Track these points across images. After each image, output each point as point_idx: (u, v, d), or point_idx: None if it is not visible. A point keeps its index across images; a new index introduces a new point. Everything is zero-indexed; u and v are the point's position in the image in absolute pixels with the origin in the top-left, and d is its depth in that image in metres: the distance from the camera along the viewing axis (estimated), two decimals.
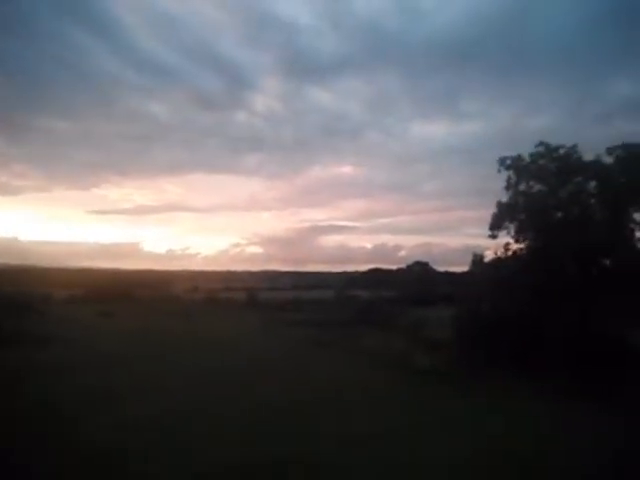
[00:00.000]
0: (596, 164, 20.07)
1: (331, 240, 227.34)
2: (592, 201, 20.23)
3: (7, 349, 19.58)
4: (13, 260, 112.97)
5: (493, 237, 21.67)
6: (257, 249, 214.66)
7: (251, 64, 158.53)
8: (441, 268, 66.16)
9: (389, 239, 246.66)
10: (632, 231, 19.37)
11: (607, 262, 19.59)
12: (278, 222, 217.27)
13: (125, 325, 30.91)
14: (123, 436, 9.41)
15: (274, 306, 49.17)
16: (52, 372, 15.62)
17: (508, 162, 21.41)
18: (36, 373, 15.51)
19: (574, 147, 20.36)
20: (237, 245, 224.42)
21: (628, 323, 18.24)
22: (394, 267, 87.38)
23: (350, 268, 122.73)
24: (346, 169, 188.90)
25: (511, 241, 21.18)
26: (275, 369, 17.78)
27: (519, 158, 21.31)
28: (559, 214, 20.33)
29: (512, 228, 21.08)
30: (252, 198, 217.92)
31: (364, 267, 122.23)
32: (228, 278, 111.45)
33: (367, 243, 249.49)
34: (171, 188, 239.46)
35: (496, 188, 21.85)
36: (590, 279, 18.69)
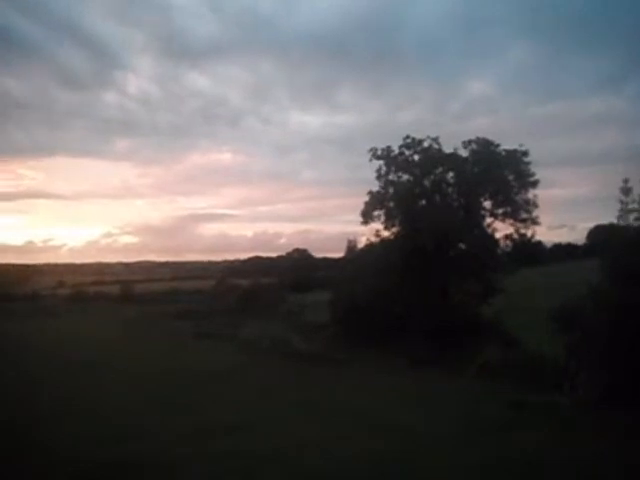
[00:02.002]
0: (454, 156, 22.11)
1: (211, 228, 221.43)
2: (450, 190, 22.27)
3: None
4: None
5: (365, 223, 22.90)
6: (131, 239, 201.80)
7: (121, 41, 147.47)
8: (320, 254, 68.31)
9: (269, 227, 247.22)
10: (483, 217, 21.73)
11: (462, 244, 21.74)
12: (154, 210, 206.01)
13: None
14: None
15: (151, 299, 46.99)
16: None
17: (379, 153, 22.68)
18: None
19: (436, 139, 22.19)
20: (109, 235, 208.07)
21: (479, 297, 20.55)
22: (275, 255, 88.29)
23: (231, 257, 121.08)
24: (225, 156, 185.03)
25: (381, 227, 22.57)
26: (151, 364, 17.13)
27: (389, 149, 22.67)
28: (423, 202, 22.08)
29: (382, 215, 22.45)
30: (124, 185, 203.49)
31: (245, 255, 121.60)
32: (99, 271, 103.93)
33: (247, 231, 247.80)
34: (29, 173, 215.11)
35: (370, 177, 23.04)
36: (447, 259, 20.66)
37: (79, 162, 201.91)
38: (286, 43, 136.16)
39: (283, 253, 74.91)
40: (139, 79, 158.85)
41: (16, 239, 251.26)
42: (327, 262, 56.77)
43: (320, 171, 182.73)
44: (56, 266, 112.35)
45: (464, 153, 22.13)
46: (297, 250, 65.67)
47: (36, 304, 43.23)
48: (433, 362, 15.50)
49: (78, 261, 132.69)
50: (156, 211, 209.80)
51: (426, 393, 12.34)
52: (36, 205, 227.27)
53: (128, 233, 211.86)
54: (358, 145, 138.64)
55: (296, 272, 54.36)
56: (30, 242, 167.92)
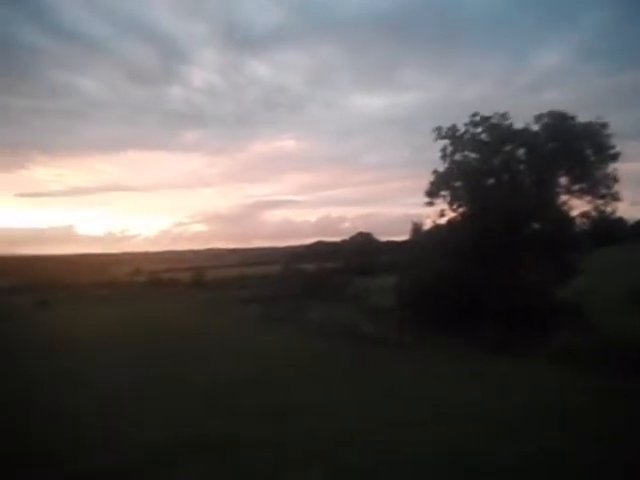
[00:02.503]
0: (525, 132, 21.07)
1: (275, 215, 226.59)
2: (521, 167, 21.28)
3: None
4: None
5: (430, 204, 22.44)
6: (201, 227, 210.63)
7: (186, 35, 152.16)
8: (383, 238, 67.84)
9: (332, 211, 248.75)
10: (557, 194, 20.61)
11: (535, 223, 20.79)
12: (221, 199, 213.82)
13: (63, 314, 29.69)
14: None
15: (221, 284, 48.70)
16: None
17: (444, 132, 22.06)
18: None
19: (504, 115, 21.23)
20: (180, 224, 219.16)
21: (555, 279, 19.60)
22: (338, 239, 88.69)
23: (295, 242, 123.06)
24: (288, 143, 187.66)
25: (446, 208, 22.02)
26: (227, 345, 17.80)
27: (454, 128, 21.99)
28: (491, 180, 21.27)
29: (448, 195, 21.89)
30: (193, 175, 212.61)
31: (309, 240, 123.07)
32: (172, 259, 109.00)
33: (311, 216, 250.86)
34: (106, 167, 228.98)
35: (434, 158, 22.52)
36: (519, 240, 19.82)
37: (150, 155, 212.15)
38: (346, 26, 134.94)
39: (346, 237, 75.07)
40: (203, 71, 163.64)
41: (98, 230, 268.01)
42: (391, 245, 56.29)
43: (382, 153, 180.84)
44: (132, 255, 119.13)
45: (536, 128, 21.06)
46: (361, 234, 65.56)
47: (117, 290, 46.01)
48: (505, 346, 14.96)
49: (152, 249, 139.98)
50: (224, 199, 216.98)
51: (502, 378, 11.93)
52: (113, 198, 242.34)
53: (198, 222, 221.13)
54: (421, 125, 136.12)
55: (360, 256, 54.29)
56: (110, 233, 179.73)
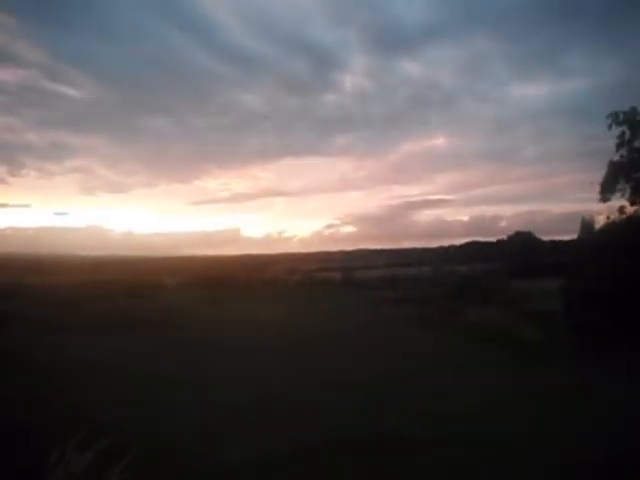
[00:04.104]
0: None
1: (425, 215, 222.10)
2: None
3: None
4: (130, 252, 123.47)
5: (604, 200, 19.98)
6: (350, 229, 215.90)
7: (338, 43, 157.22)
8: (545, 237, 62.28)
9: (486, 210, 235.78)
10: None
11: None
12: (370, 200, 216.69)
13: (233, 309, 32.47)
14: None
15: (370, 285, 49.24)
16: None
17: (621, 117, 19.48)
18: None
19: None
20: (331, 226, 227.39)
21: None
22: (493, 239, 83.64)
23: (446, 243, 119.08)
24: (438, 141, 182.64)
25: (626, 203, 19.40)
26: (383, 346, 17.91)
27: (634, 111, 19.30)
28: None
29: (627, 189, 19.27)
30: (343, 178, 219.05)
31: (460, 241, 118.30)
32: (324, 259, 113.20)
33: (463, 216, 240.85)
34: (264, 174, 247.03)
35: (606, 148, 20.04)
36: None
37: (303, 161, 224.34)
38: (502, 12, 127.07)
39: (503, 237, 70.40)
40: (354, 76, 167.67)
41: (257, 233, 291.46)
42: (555, 245, 51.45)
43: (544, 146, 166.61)
44: (288, 255, 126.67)
45: None
46: (519, 233, 60.77)
47: (275, 289, 49.21)
48: None
49: (305, 250, 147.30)
50: (372, 201, 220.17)
51: None
52: (271, 202, 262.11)
53: (347, 223, 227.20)
54: (590, 113, 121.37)
55: (519, 256, 50.55)
56: (267, 235, 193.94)
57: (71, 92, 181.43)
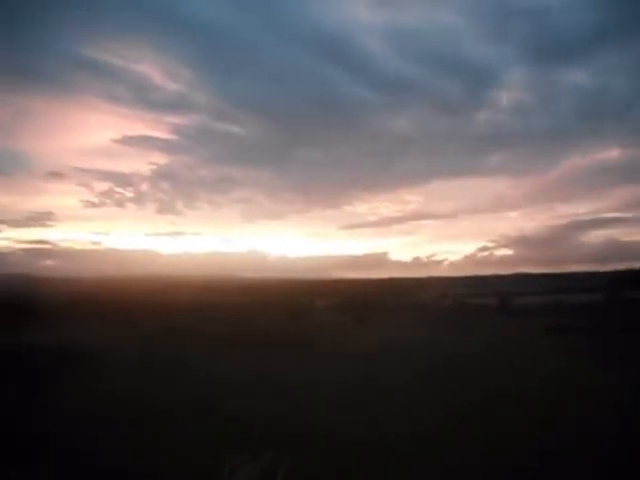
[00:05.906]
0: None
1: (595, 235, 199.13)
2: None
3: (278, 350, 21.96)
4: (284, 274, 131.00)
5: None
6: (506, 251, 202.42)
7: (493, 59, 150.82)
8: None
9: None
10: None
11: None
12: (529, 221, 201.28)
13: (380, 331, 31.98)
14: None
15: (530, 311, 44.94)
16: None
17: None
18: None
19: None
20: (484, 249, 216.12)
21: None
22: None
23: (622, 266, 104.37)
24: (611, 153, 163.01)
25: None
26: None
27: None
28: None
29: None
30: (497, 198, 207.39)
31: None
32: (476, 283, 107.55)
33: None
34: (412, 198, 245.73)
35: None
36: None
37: (453, 183, 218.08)
38: None
39: None
40: (510, 91, 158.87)
41: (406, 256, 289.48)
42: None
43: None
44: (438, 279, 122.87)
45: None
46: None
47: (423, 312, 47.60)
48: None
49: (456, 274, 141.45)
50: (531, 221, 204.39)
51: None
52: (420, 226, 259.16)
53: (503, 246, 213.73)
54: None
55: None
56: (416, 258, 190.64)
57: (236, 130, 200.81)
